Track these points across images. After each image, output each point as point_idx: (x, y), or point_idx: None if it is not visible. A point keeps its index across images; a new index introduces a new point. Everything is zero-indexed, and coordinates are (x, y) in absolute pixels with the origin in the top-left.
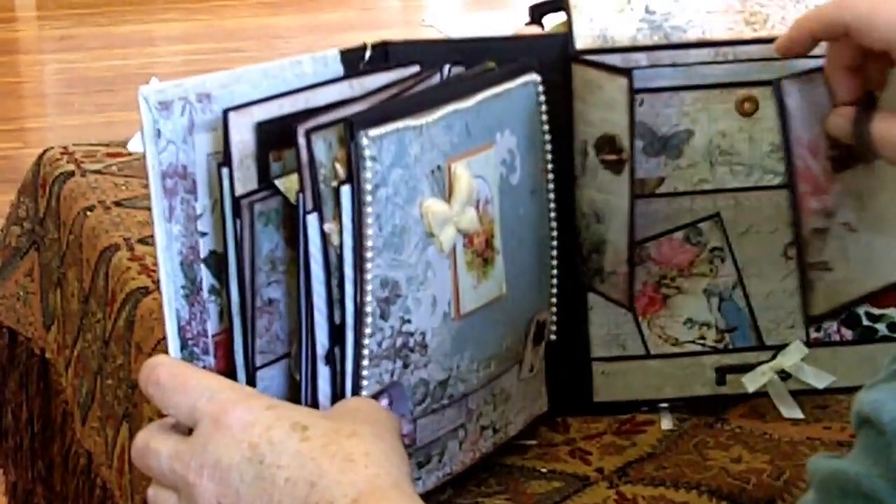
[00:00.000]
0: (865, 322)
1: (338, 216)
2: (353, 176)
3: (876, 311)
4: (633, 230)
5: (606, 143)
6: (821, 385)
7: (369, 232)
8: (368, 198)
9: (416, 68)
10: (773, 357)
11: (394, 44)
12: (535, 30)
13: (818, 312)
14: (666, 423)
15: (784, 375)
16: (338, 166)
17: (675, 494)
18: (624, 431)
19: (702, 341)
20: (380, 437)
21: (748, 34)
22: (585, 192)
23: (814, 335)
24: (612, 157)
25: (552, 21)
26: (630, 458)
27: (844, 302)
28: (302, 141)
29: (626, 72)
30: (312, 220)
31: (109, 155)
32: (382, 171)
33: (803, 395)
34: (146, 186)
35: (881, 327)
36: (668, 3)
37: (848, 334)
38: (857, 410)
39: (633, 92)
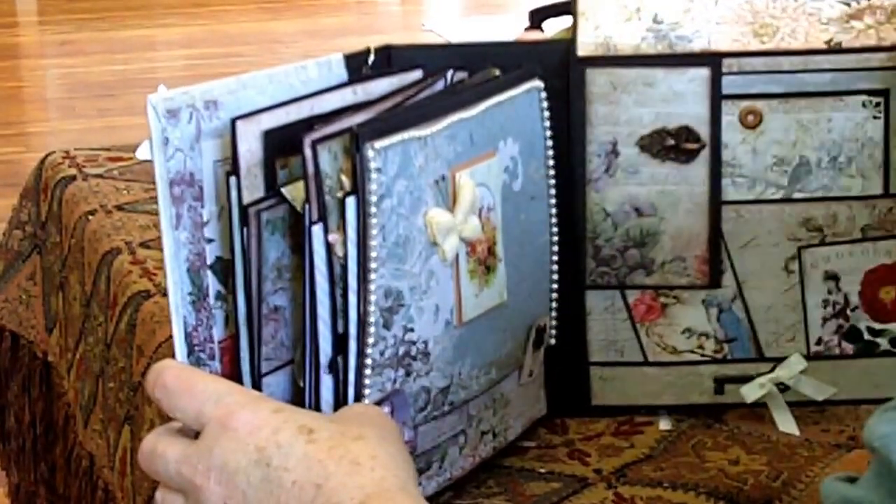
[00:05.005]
0: (867, 336)
1: (342, 227)
2: (359, 187)
3: (877, 326)
4: (719, 210)
5: (672, 136)
6: (820, 397)
7: (373, 243)
8: (373, 209)
9: (418, 73)
10: (773, 369)
11: (397, 48)
12: (536, 35)
13: None
14: (664, 425)
15: (783, 387)
16: (343, 177)
17: (673, 495)
18: (622, 433)
19: (700, 351)
20: (385, 440)
21: (755, 46)
22: (613, 191)
23: (814, 348)
24: (692, 145)
25: (552, 26)
26: (628, 459)
27: None
28: (308, 152)
29: (710, 61)
30: (317, 231)
31: (111, 159)
32: (387, 181)
33: (802, 406)
34: (147, 190)
35: (882, 342)
36: (678, 13)
37: (849, 348)
38: (867, 440)
39: (717, 79)
